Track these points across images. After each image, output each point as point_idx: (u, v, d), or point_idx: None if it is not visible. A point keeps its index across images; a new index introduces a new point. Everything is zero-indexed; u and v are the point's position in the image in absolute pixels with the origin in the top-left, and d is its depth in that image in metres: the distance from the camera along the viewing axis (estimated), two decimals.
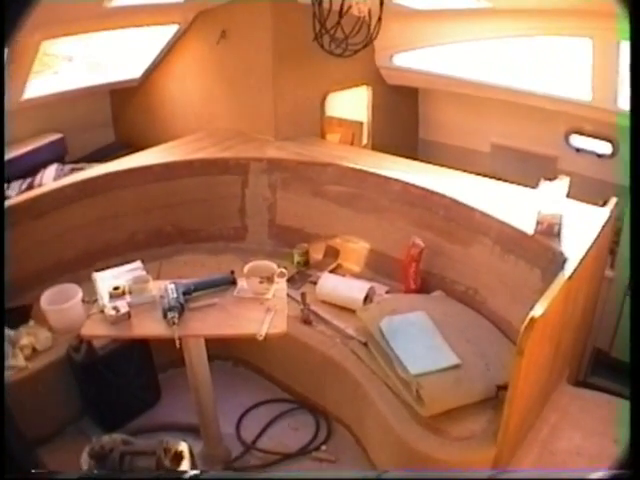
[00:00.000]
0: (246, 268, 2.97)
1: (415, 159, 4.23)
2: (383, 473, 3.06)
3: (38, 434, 3.54)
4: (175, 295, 2.79)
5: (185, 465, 2.63)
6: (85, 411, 3.75)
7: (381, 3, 3.43)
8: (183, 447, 2.71)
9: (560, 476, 2.09)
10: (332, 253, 4.04)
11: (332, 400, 3.55)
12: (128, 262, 3.59)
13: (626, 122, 1.66)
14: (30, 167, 5.29)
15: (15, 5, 1.16)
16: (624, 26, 1.41)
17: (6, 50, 1.97)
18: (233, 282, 2.97)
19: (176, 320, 2.67)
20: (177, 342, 2.66)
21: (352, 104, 5.25)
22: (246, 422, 3.65)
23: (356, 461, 3.34)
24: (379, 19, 3.47)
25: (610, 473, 1.45)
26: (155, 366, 3.80)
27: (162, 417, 3.73)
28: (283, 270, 2.99)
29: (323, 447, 3.45)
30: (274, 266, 2.97)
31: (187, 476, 2.00)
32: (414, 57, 4.76)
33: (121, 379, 3.58)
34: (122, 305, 2.85)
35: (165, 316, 2.71)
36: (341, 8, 3.42)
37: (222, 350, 3.43)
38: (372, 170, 3.88)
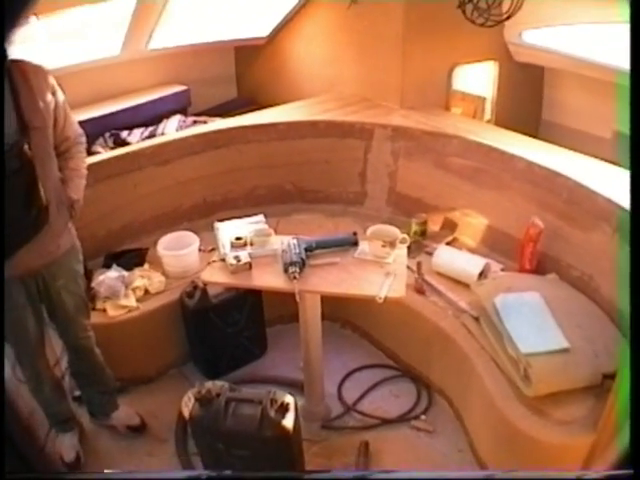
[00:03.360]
0: (369, 231, 2.97)
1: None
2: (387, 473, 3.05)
3: (141, 374, 3.71)
4: (297, 250, 2.82)
5: (289, 418, 2.66)
6: (190, 357, 3.87)
7: None
8: (289, 400, 2.74)
9: (560, 476, 2.05)
10: (449, 226, 4.00)
11: (437, 371, 3.54)
12: (246, 216, 3.64)
13: None
14: (153, 116, 5.41)
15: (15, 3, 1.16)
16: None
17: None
18: (355, 243, 2.98)
19: (297, 275, 2.71)
20: (297, 296, 2.69)
21: (476, 78, 5.17)
22: (348, 384, 3.68)
23: (453, 434, 3.34)
24: None
25: (610, 472, 1.43)
26: (264, 320, 3.86)
27: (266, 370, 3.81)
28: (405, 236, 2.99)
29: (422, 417, 3.45)
30: (397, 231, 2.97)
31: (204, 476, 2.00)
32: (543, 35, 4.64)
33: (231, 328, 3.67)
34: (243, 255, 2.90)
35: (286, 270, 2.75)
36: None
37: (332, 311, 3.45)
38: (497, 146, 3.81)
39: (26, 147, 2.43)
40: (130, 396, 3.61)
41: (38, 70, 2.59)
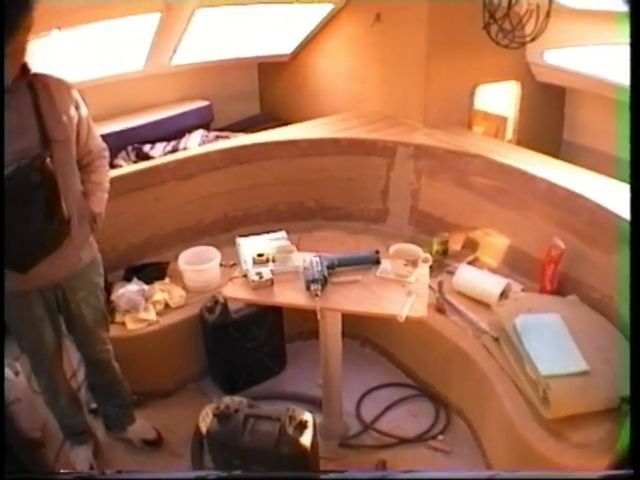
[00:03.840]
0: (392, 249, 2.97)
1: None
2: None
3: (159, 387, 3.70)
4: (319, 268, 2.82)
5: (307, 435, 2.65)
6: (208, 371, 3.86)
7: None
8: (308, 417, 2.73)
9: (560, 476, 2.03)
10: (471, 245, 3.99)
11: (456, 391, 3.52)
12: (268, 231, 3.64)
13: None
14: (175, 131, 5.46)
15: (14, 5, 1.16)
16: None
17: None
18: (377, 262, 2.98)
19: (319, 292, 2.71)
20: (318, 314, 2.69)
21: (498, 98, 5.17)
22: (367, 402, 3.66)
23: (471, 455, 3.31)
24: (547, 14, 3.40)
25: (610, 473, 1.42)
26: (284, 336, 3.86)
27: (284, 386, 3.80)
28: (428, 256, 2.99)
29: (440, 437, 3.43)
30: (420, 250, 2.96)
31: (213, 476, 1.99)
32: (565, 55, 4.64)
33: (250, 344, 3.67)
34: (265, 272, 2.90)
35: (308, 287, 2.75)
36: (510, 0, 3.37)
37: (352, 328, 3.44)
38: (519, 166, 3.80)
39: (48, 160, 2.45)
40: (147, 410, 3.60)
41: (61, 84, 2.61)
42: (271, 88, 6.30)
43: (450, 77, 4.46)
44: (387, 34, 4.61)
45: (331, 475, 2.30)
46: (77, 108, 2.65)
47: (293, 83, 5.95)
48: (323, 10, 5.11)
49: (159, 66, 5.27)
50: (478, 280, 3.59)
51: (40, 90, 2.50)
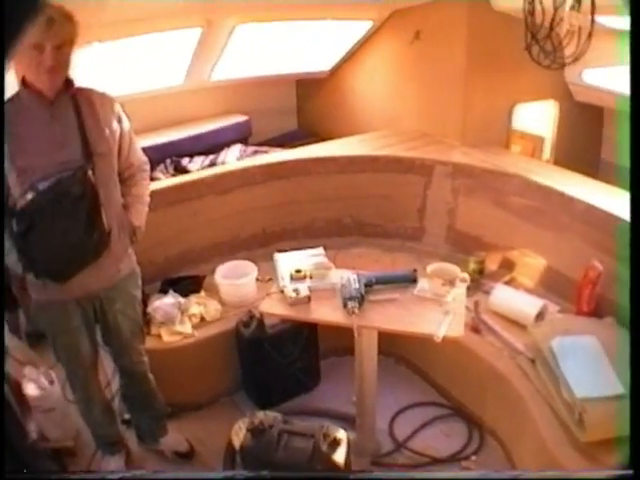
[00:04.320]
0: (429, 268, 2.98)
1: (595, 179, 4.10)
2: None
3: (193, 400, 3.72)
4: (357, 285, 2.82)
5: (341, 453, 2.65)
6: (242, 385, 3.87)
7: (592, 20, 3.35)
8: (342, 435, 2.74)
9: (561, 476, 2.01)
10: (507, 265, 3.97)
11: (490, 412, 3.50)
12: (304, 247, 3.65)
13: None
14: (214, 145, 5.49)
15: (18, 10, 1.16)
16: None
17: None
18: (414, 280, 2.98)
19: (356, 310, 2.71)
20: (355, 332, 2.70)
21: (535, 117, 5.15)
22: (400, 420, 3.65)
23: None
24: (589, 35, 3.39)
25: (611, 473, 1.40)
26: (319, 352, 3.87)
27: (317, 402, 3.80)
28: (465, 275, 2.99)
29: (473, 457, 3.41)
30: (457, 270, 2.97)
31: (241, 476, 2.00)
32: (603, 75, 4.61)
33: (285, 359, 3.67)
34: (303, 288, 2.92)
35: (345, 305, 2.75)
36: (552, 20, 3.36)
37: (387, 346, 3.43)
38: (557, 187, 3.78)
39: (90, 173, 2.48)
40: (180, 422, 3.61)
41: (104, 98, 2.66)
42: (309, 104, 6.33)
43: (488, 96, 4.44)
44: (426, 52, 4.62)
45: (359, 475, 2.30)
46: (119, 122, 2.69)
47: (331, 99, 5.98)
48: (362, 27, 5.12)
49: (199, 81, 5.31)
50: (514, 300, 3.58)
51: (83, 103, 2.55)
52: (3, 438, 1.28)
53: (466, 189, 4.17)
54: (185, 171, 5.00)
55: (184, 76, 5.21)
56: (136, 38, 4.37)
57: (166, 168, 5.17)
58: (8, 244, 2.52)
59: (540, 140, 5.23)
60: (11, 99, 2.47)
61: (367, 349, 3.00)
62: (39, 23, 2.22)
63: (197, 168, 5.10)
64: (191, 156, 5.33)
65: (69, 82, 2.50)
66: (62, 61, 2.40)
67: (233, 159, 5.20)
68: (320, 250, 3.56)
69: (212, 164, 5.16)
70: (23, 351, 3.88)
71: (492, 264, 4.00)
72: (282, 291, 2.97)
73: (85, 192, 2.46)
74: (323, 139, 5.07)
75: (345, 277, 2.90)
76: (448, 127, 4.59)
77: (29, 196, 2.42)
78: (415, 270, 3.03)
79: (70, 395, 3.32)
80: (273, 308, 2.98)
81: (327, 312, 2.86)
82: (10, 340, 3.88)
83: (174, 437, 3.46)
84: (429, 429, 3.61)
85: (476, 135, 4.47)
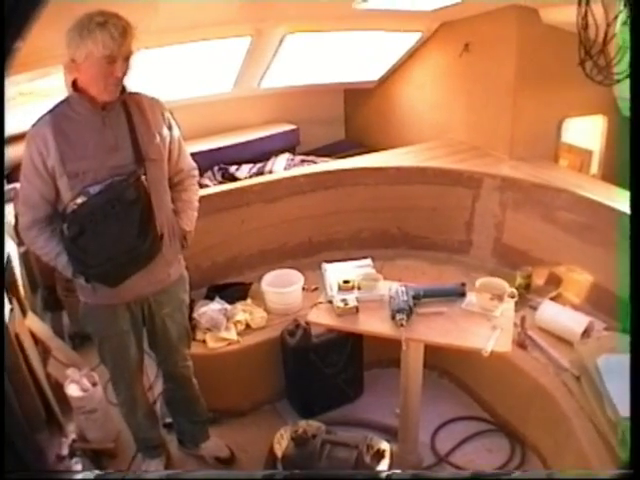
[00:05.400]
0: (478, 282, 2.96)
1: None
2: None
3: (235, 407, 3.74)
4: (405, 298, 2.82)
5: (384, 465, 2.65)
6: (285, 394, 3.88)
7: None
8: (385, 446, 2.73)
9: (561, 476, 1.98)
10: (554, 281, 3.93)
11: (533, 428, 3.46)
12: (350, 257, 3.66)
13: None
14: (261, 153, 5.53)
15: (18, 11, 1.16)
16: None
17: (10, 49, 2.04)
18: (462, 294, 2.97)
19: (404, 322, 2.70)
20: (403, 344, 2.69)
21: (582, 131, 5.11)
22: (442, 434, 3.63)
23: None
24: None
25: (612, 473, 1.39)
26: (363, 363, 3.86)
27: (359, 413, 3.79)
28: (514, 291, 2.97)
29: (515, 474, 3.38)
30: (506, 285, 2.95)
31: (279, 476, 2.00)
32: None
33: (329, 369, 3.67)
34: (351, 299, 2.92)
35: (393, 317, 2.75)
36: (605, 36, 3.34)
37: (431, 359, 3.40)
38: (607, 202, 3.74)
39: (143, 178, 2.51)
40: (221, 428, 3.63)
41: (155, 104, 2.69)
42: (357, 114, 6.35)
43: (537, 109, 4.41)
44: (475, 64, 4.62)
45: (394, 475, 2.29)
46: (170, 128, 2.72)
47: (379, 110, 5.98)
48: (411, 38, 5.12)
49: (247, 88, 5.35)
50: (561, 317, 3.55)
51: (134, 109, 2.58)
52: (3, 438, 1.29)
53: (514, 203, 4.14)
54: (232, 178, 5.03)
55: (233, 83, 5.25)
56: (186, 45, 4.42)
57: (214, 175, 5.21)
58: (58, 247, 2.56)
59: (588, 154, 5.19)
60: (61, 103, 2.51)
61: (413, 362, 2.99)
62: (112, 35, 2.28)
63: (244, 176, 5.13)
64: (239, 163, 5.37)
65: (122, 88, 2.53)
66: (126, 72, 2.44)
67: (280, 168, 5.22)
68: (368, 261, 3.57)
69: (260, 172, 5.19)
70: (66, 353, 3.92)
71: (539, 279, 3.96)
72: (330, 301, 2.98)
73: (138, 197, 2.49)
74: (370, 149, 5.08)
75: (393, 289, 2.90)
76: (496, 140, 4.57)
77: (80, 200, 2.45)
78: (464, 284, 3.01)
79: (113, 397, 3.35)
80: (321, 318, 2.98)
81: (375, 323, 2.86)
82: (53, 341, 3.92)
83: (215, 443, 3.47)
84: (471, 444, 3.59)
85: (524, 148, 4.45)
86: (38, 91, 4.60)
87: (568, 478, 1.91)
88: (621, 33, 3.32)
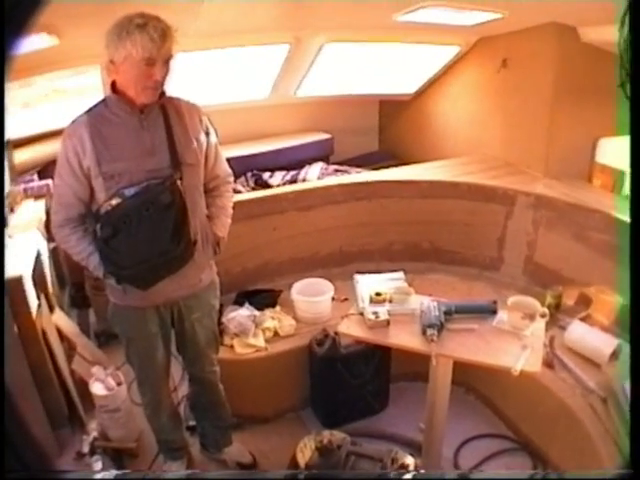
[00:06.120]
0: (510, 301, 2.95)
1: None
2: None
3: (259, 413, 3.76)
4: (437, 313, 2.81)
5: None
6: (309, 403, 3.89)
7: None
8: (410, 461, 2.73)
9: (561, 477, 1.96)
10: (584, 301, 3.90)
11: (557, 449, 3.44)
12: (381, 270, 3.66)
13: None
14: (295, 161, 5.54)
15: (18, 11, 1.16)
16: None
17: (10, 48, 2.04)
18: (494, 312, 2.96)
19: (435, 338, 2.70)
20: (433, 360, 2.69)
21: (616, 151, 5.08)
22: (465, 451, 3.62)
23: None
24: None
25: (611, 473, 1.37)
26: (390, 375, 3.87)
27: (384, 426, 3.78)
28: (545, 310, 2.96)
29: None
30: (538, 304, 2.94)
31: (302, 475, 1.99)
32: None
33: (356, 380, 3.68)
34: (382, 312, 2.92)
35: (424, 332, 2.75)
36: None
37: (458, 375, 3.39)
38: None
39: (179, 183, 2.52)
40: (244, 434, 3.64)
41: (193, 109, 2.69)
42: (391, 126, 6.36)
43: (574, 128, 4.39)
44: (512, 80, 4.61)
45: (408, 475, 2.29)
46: (207, 134, 2.73)
47: (413, 123, 5.99)
48: (449, 52, 5.14)
49: (284, 96, 5.38)
50: (589, 338, 3.52)
51: (172, 113, 2.58)
52: (3, 438, 1.30)
53: (547, 221, 4.12)
54: (266, 185, 5.06)
55: (270, 90, 5.28)
56: (225, 50, 4.46)
57: (247, 181, 5.24)
58: (90, 247, 2.58)
59: (621, 175, 5.16)
60: (99, 104, 2.53)
61: (442, 378, 2.98)
62: (151, 37, 2.28)
63: (278, 183, 5.16)
64: (272, 171, 5.39)
65: (162, 92, 2.54)
66: (166, 75, 2.45)
67: (314, 177, 5.24)
68: (400, 274, 3.56)
69: (293, 180, 5.22)
70: (92, 350, 3.96)
71: (569, 299, 3.94)
72: (361, 313, 2.98)
73: (174, 201, 2.49)
74: (403, 162, 5.09)
75: (425, 304, 2.90)
76: (531, 157, 4.55)
77: (115, 201, 2.46)
78: (495, 301, 3.01)
79: (136, 397, 3.38)
80: (351, 329, 2.98)
81: (405, 337, 2.85)
82: (79, 338, 3.96)
83: (238, 448, 3.49)
84: (494, 462, 3.57)
85: (559, 167, 4.43)
86: (72, 89, 4.66)
87: (568, 478, 1.90)
88: None
